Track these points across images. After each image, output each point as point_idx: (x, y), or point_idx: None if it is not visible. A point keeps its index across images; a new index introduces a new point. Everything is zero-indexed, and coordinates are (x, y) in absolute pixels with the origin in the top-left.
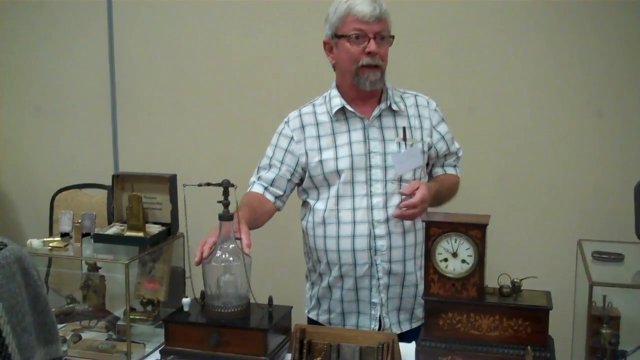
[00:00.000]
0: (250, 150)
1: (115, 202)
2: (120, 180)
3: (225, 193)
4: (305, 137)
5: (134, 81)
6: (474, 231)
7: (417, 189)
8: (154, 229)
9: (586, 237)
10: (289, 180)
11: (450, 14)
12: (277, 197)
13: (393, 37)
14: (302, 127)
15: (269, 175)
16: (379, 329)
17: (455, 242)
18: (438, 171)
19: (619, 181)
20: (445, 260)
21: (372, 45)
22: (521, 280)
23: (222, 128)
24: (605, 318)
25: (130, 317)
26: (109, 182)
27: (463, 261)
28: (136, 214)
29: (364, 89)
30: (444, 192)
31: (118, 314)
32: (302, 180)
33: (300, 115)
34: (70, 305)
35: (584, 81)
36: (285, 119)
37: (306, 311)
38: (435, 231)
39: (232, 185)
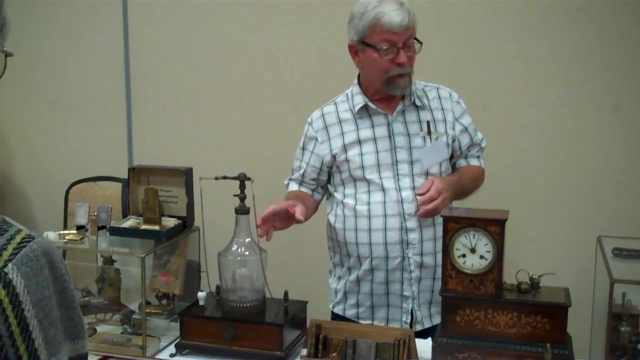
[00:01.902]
0: (265, 143)
1: (131, 195)
2: (137, 173)
3: (242, 186)
4: (329, 137)
5: (148, 74)
6: (493, 227)
7: (431, 184)
8: (169, 222)
9: (605, 234)
10: (316, 179)
11: (466, 9)
12: (313, 190)
13: (421, 42)
14: (326, 127)
15: (297, 176)
16: (411, 321)
17: (474, 238)
18: (461, 163)
19: (639, 176)
20: (463, 255)
21: (402, 57)
22: (540, 276)
23: (236, 121)
24: (625, 316)
25: (146, 310)
26: (123, 175)
27: (481, 257)
28: (152, 207)
29: (395, 94)
30: (466, 183)
31: (133, 307)
32: (329, 177)
33: (322, 115)
34: (86, 299)
35: (601, 75)
36: (309, 120)
37: (331, 306)
38: (453, 226)
39: (249, 179)
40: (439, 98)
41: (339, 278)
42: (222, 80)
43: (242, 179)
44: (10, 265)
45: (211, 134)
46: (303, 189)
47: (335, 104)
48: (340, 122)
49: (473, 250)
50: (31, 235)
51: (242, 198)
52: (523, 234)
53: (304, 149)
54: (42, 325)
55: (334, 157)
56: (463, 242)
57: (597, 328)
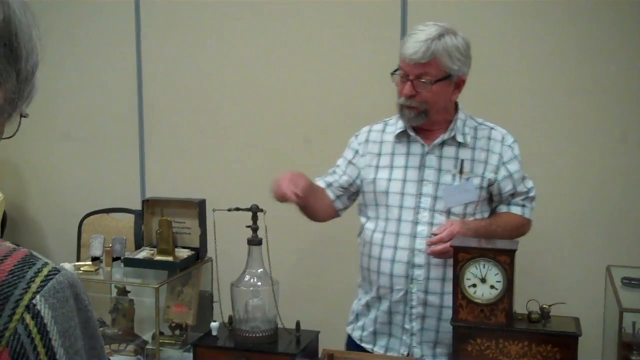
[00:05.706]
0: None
1: (145, 227)
2: (150, 205)
3: (254, 218)
4: (367, 152)
5: (160, 107)
6: (503, 257)
7: (448, 226)
8: (183, 253)
9: (614, 263)
10: (347, 189)
11: (473, 41)
12: (337, 197)
13: (449, 76)
14: (367, 141)
15: (329, 178)
16: (407, 355)
17: (484, 268)
18: (502, 208)
19: None
20: (474, 285)
21: (405, 89)
22: (550, 306)
23: (248, 153)
24: (635, 345)
25: (159, 341)
26: (136, 207)
27: (492, 287)
28: (166, 239)
29: (405, 124)
30: (497, 230)
31: (147, 337)
32: (358, 192)
33: (369, 131)
34: (100, 329)
35: (607, 105)
36: (357, 132)
37: (346, 324)
38: (463, 256)
39: (261, 210)
40: (489, 139)
41: (359, 299)
42: (233, 113)
43: (255, 211)
44: (38, 297)
45: (223, 166)
46: (328, 192)
47: (385, 124)
48: (381, 142)
49: (483, 280)
50: (57, 268)
51: (255, 229)
52: (533, 264)
53: (344, 157)
54: (68, 354)
55: (365, 172)
56: (473, 272)
57: (607, 357)
